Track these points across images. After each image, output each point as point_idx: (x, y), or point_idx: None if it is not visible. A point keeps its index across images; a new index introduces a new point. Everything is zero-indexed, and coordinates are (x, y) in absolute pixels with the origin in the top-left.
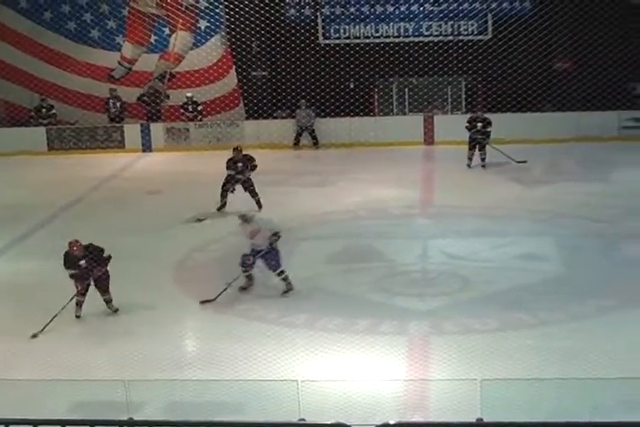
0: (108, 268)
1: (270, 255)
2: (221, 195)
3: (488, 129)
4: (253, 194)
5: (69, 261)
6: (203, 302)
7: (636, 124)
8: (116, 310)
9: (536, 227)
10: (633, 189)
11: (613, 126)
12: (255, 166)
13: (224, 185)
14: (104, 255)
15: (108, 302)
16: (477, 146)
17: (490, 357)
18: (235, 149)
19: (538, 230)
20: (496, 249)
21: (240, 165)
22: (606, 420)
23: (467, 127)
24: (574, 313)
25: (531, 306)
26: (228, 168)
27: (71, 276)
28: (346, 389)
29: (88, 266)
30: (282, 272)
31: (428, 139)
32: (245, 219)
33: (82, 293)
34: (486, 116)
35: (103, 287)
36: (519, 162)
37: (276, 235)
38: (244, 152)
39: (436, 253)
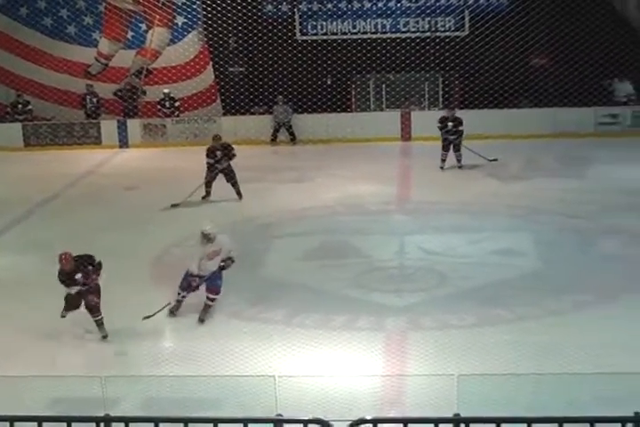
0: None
1: (217, 276)
2: (205, 184)
3: (460, 128)
4: (234, 184)
5: (65, 277)
6: (145, 318)
7: (613, 121)
8: (104, 336)
9: (513, 222)
10: (608, 186)
11: (590, 123)
12: (234, 155)
13: (206, 175)
14: (95, 262)
15: (100, 324)
16: (452, 146)
17: (467, 352)
18: (214, 138)
19: (515, 226)
20: (473, 245)
21: (219, 153)
22: (582, 415)
23: (438, 127)
24: (551, 308)
25: (508, 301)
26: (207, 157)
27: (72, 293)
28: (323, 384)
29: (85, 279)
30: (215, 299)
31: (405, 135)
32: (209, 238)
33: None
34: (457, 115)
35: (94, 307)
36: (491, 160)
37: (231, 259)
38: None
39: (413, 249)
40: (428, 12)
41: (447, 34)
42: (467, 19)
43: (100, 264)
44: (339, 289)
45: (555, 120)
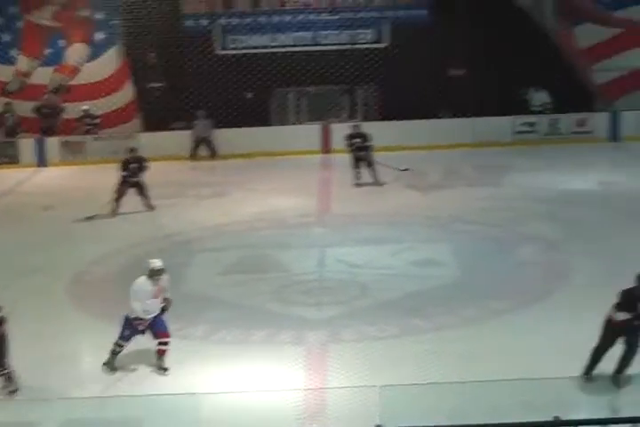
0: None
1: (161, 318)
2: (115, 198)
3: (367, 144)
4: (144, 197)
5: None
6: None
7: (530, 129)
8: (14, 391)
9: (433, 233)
10: (525, 194)
11: (507, 132)
12: (146, 167)
13: (117, 188)
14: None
15: (8, 378)
16: (364, 163)
17: (388, 363)
18: (130, 150)
19: (434, 236)
20: (393, 256)
21: (133, 166)
22: (503, 421)
23: (346, 145)
24: (471, 317)
25: (427, 311)
26: (122, 170)
27: None
28: (245, 400)
29: None
30: (169, 342)
31: (325, 147)
32: (161, 273)
33: None
34: (364, 131)
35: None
36: (402, 170)
37: (168, 300)
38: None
39: (333, 262)
40: (348, 24)
41: (367, 46)
42: (386, 31)
43: (2, 319)
44: (259, 303)
45: (473, 130)
